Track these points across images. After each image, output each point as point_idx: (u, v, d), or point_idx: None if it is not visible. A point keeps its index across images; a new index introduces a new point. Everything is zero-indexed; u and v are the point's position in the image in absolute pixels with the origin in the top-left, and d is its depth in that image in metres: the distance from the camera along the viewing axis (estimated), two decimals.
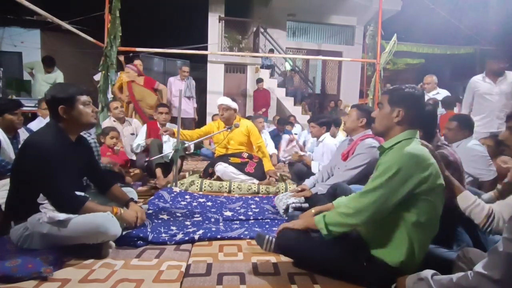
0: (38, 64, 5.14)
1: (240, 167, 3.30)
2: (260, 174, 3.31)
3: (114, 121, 3.96)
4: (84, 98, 1.70)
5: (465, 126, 2.69)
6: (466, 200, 1.25)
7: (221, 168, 3.26)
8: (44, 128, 1.69)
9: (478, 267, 0.96)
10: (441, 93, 4.75)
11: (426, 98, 4.61)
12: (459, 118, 2.82)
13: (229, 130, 3.39)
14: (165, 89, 5.39)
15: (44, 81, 4.91)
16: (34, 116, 4.19)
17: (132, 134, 4.02)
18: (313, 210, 1.76)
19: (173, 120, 4.50)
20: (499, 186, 2.13)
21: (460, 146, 2.66)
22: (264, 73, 8.50)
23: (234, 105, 3.47)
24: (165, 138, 3.89)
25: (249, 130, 3.52)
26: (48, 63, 4.99)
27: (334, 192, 2.14)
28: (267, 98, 7.72)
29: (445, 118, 4.27)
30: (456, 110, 4.80)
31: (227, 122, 3.47)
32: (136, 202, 2.03)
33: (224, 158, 3.38)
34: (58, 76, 5.06)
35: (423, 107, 1.46)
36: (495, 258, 0.93)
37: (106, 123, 3.92)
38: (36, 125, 3.34)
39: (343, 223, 1.35)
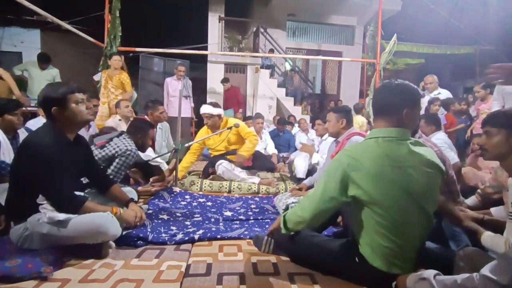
0: (31, 64, 5.05)
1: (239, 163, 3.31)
2: (260, 164, 3.29)
3: (119, 120, 3.85)
4: (76, 96, 1.66)
5: (431, 122, 2.99)
6: (491, 242, 1.26)
7: (222, 167, 3.26)
8: (42, 128, 1.68)
9: (485, 271, 0.95)
10: (442, 93, 4.77)
11: (428, 98, 4.61)
12: (424, 116, 3.13)
13: (230, 130, 3.37)
14: (10, 78, 3.86)
15: (43, 78, 4.78)
16: (33, 116, 4.15)
17: None
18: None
19: (174, 120, 4.48)
20: (481, 189, 2.16)
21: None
22: (264, 73, 8.49)
23: (216, 111, 3.34)
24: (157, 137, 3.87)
25: (237, 128, 3.41)
26: (43, 60, 4.84)
27: None
28: (238, 96, 7.40)
29: (449, 118, 4.63)
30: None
31: (212, 128, 3.41)
32: (136, 202, 2.03)
33: (222, 157, 3.37)
34: (55, 72, 4.97)
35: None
36: (505, 264, 0.92)
37: (110, 122, 3.83)
38: (34, 123, 3.31)
39: (295, 220, 1.44)
